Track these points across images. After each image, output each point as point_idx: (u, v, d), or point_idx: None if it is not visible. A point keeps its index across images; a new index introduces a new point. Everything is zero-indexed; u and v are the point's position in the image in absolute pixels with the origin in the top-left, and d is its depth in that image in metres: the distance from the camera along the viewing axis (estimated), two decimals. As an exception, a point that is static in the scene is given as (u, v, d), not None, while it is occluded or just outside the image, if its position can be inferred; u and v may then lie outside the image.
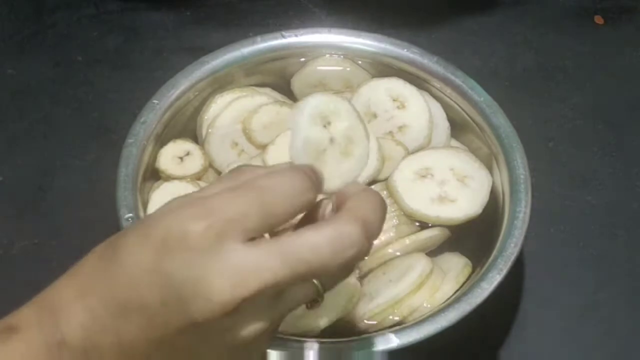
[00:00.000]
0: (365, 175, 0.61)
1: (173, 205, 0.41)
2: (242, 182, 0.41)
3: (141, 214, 0.58)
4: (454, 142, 0.65)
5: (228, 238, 0.39)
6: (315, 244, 0.39)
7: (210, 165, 0.63)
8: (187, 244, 0.38)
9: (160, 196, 0.61)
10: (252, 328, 0.40)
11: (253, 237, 0.40)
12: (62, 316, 0.41)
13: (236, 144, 0.64)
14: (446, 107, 0.66)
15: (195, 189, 0.60)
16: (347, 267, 0.42)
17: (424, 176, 0.61)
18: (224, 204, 0.40)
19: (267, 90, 0.68)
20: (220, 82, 0.67)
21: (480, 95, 0.65)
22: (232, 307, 0.38)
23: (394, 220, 0.59)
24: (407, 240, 0.59)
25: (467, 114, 0.65)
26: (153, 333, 0.40)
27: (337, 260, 0.39)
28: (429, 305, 0.55)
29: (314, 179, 0.42)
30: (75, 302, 0.41)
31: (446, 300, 0.55)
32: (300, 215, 0.44)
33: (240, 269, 0.38)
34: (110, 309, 0.40)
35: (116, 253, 0.41)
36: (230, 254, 0.38)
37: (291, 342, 0.52)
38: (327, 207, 0.44)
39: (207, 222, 0.39)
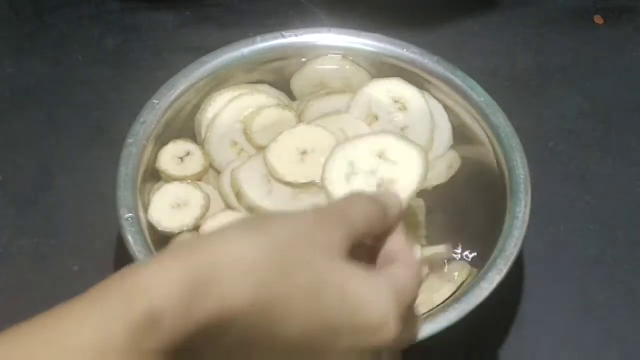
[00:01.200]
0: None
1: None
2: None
3: (141, 214, 0.58)
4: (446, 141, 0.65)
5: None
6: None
7: (210, 165, 0.63)
8: None
9: (161, 198, 0.60)
10: None
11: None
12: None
13: (236, 144, 0.64)
14: (446, 107, 0.66)
15: (197, 191, 0.61)
16: None
17: (355, 173, 0.59)
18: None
19: (266, 87, 0.68)
20: (220, 82, 0.67)
21: (480, 95, 0.65)
22: None
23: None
24: None
25: (467, 114, 0.65)
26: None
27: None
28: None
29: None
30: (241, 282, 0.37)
31: (444, 301, 0.55)
32: None
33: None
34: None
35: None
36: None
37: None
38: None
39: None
